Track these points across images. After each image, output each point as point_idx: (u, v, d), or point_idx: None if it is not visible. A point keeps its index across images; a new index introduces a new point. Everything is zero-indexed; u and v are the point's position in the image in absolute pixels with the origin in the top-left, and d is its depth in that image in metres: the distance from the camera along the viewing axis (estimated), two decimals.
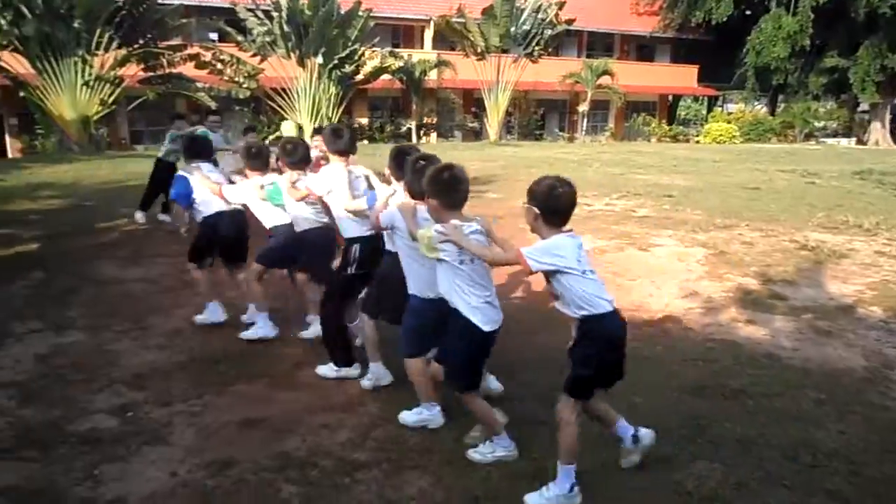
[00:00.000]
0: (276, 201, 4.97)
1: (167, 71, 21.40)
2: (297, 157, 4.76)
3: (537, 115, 33.82)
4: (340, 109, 24.02)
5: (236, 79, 22.53)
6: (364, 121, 30.15)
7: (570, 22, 27.26)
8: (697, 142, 33.39)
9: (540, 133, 34.31)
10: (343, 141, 4.51)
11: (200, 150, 5.60)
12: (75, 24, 18.85)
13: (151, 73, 21.35)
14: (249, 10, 22.25)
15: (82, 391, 4.20)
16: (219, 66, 22.27)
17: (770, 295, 6.30)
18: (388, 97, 31.12)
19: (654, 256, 7.73)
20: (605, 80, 31.34)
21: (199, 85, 21.98)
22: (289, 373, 4.55)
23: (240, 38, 22.66)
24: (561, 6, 26.64)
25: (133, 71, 20.81)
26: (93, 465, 3.29)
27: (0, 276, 6.75)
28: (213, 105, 21.91)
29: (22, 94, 20.45)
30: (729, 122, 34.90)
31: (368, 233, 4.21)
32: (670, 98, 39.37)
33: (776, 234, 8.73)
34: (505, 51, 27.04)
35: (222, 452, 3.42)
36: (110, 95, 20.37)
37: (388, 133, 30.22)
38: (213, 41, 24.76)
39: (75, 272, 6.73)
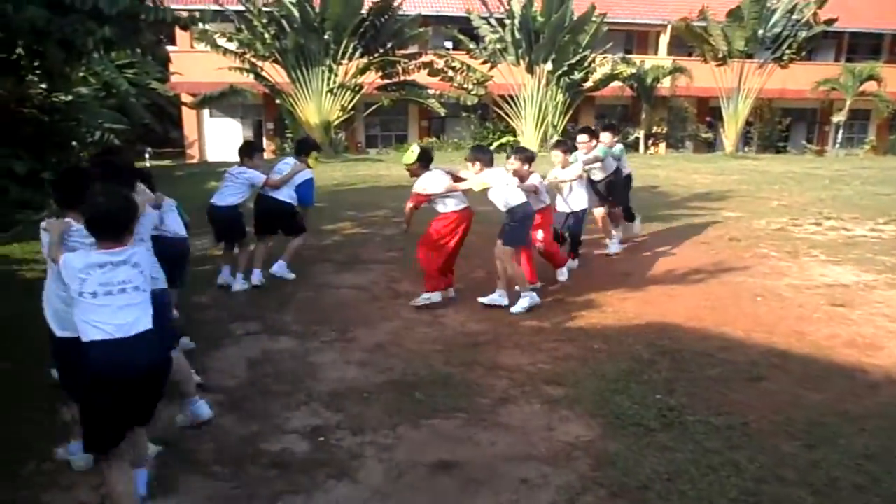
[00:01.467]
0: None
1: (402, 78, 22.30)
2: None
3: (782, 126, 30.71)
4: (567, 117, 23.52)
5: (465, 86, 23.00)
6: None
7: (830, 22, 24.29)
8: None
9: (783, 145, 31.15)
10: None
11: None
12: (325, 36, 20.28)
13: (388, 81, 22.38)
14: (483, 17, 22.64)
15: (282, 406, 4.11)
16: (450, 73, 22.88)
17: None
18: (617, 105, 29.99)
19: None
20: (868, 86, 27.66)
21: (430, 92, 22.68)
22: (491, 409, 4.10)
23: (472, 45, 23.12)
24: (821, 5, 23.82)
25: (371, 78, 21.94)
26: (276, 494, 3.10)
27: None
28: (441, 112, 22.58)
29: (277, 101, 22.52)
30: None
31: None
32: None
33: None
34: (749, 55, 24.81)
35: (408, 500, 3.08)
36: (350, 102, 21.65)
37: None
38: (447, 49, 25.45)
39: (297, 273, 6.88)
